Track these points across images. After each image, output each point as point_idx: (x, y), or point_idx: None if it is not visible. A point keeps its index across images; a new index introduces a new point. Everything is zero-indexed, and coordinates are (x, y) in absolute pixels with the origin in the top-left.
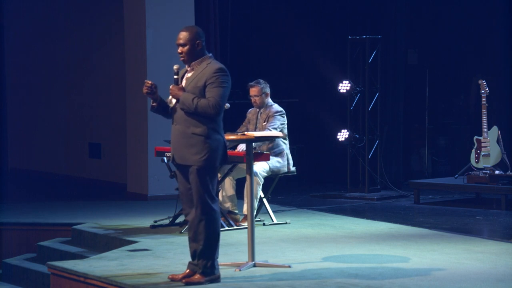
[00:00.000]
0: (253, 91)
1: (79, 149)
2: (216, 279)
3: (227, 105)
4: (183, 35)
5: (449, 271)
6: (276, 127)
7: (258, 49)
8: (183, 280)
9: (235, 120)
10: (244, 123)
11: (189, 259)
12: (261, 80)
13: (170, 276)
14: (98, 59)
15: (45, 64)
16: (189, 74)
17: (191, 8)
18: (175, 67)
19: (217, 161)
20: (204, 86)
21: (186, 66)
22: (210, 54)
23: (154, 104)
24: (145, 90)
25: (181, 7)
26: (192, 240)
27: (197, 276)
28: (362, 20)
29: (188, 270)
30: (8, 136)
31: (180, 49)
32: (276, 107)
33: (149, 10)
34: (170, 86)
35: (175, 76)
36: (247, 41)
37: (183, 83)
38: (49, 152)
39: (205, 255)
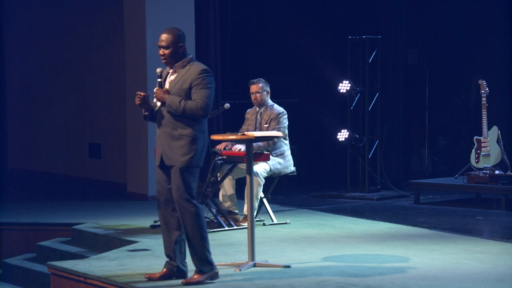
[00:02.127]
0: (254, 88)
1: (79, 149)
2: (215, 276)
3: (227, 105)
4: (165, 37)
5: (449, 271)
6: (282, 131)
7: (258, 49)
8: (183, 281)
9: (235, 120)
10: (244, 125)
11: (190, 259)
12: (262, 79)
13: (147, 276)
14: (98, 59)
15: (45, 64)
16: (172, 77)
17: (191, 8)
18: (158, 70)
19: (201, 162)
20: (190, 88)
21: (168, 68)
22: (191, 55)
23: (146, 113)
24: (137, 101)
25: (181, 7)
26: (169, 239)
27: (195, 276)
28: (362, 20)
29: (165, 269)
30: (8, 136)
31: (162, 51)
32: (277, 107)
33: (149, 10)
34: (154, 89)
35: (159, 79)
36: (247, 41)
37: (167, 86)
38: (49, 152)
39: (197, 253)
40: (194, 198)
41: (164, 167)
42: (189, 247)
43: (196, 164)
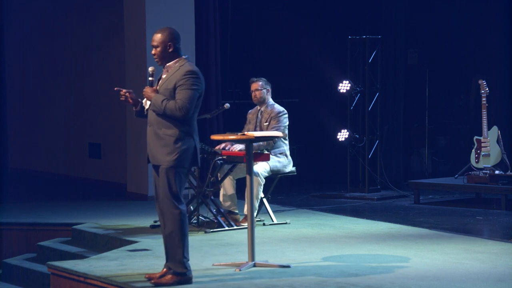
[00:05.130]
0: (254, 85)
1: (79, 149)
2: (187, 281)
3: (227, 105)
4: (156, 37)
5: (449, 271)
6: (281, 130)
7: (258, 49)
8: (152, 281)
9: (235, 120)
10: (245, 125)
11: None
12: (263, 78)
13: (147, 276)
14: (98, 59)
15: (45, 64)
16: (163, 76)
17: (191, 8)
18: (150, 69)
19: (187, 163)
20: (174, 88)
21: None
22: (186, 56)
23: (135, 109)
24: (121, 98)
25: (181, 7)
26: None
27: (168, 277)
28: (362, 20)
29: (165, 269)
30: (8, 136)
31: (153, 51)
32: (278, 107)
33: (149, 10)
34: (144, 88)
35: (150, 78)
36: (247, 41)
37: (158, 85)
38: (49, 152)
39: (172, 254)
40: (180, 200)
41: (155, 167)
42: (166, 247)
43: (180, 164)
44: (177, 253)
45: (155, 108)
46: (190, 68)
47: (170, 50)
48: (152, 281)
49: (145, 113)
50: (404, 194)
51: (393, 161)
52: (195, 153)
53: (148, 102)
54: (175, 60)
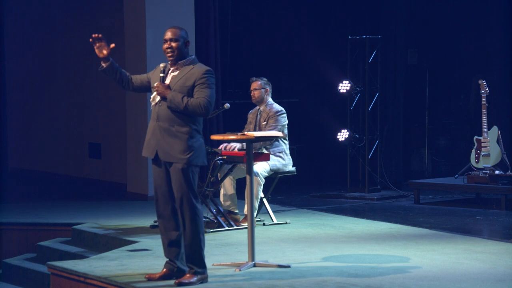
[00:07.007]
0: (253, 85)
1: (79, 149)
2: (205, 279)
3: (227, 105)
4: (173, 31)
5: (449, 271)
6: (278, 130)
7: (258, 49)
8: (175, 281)
9: (235, 120)
10: (246, 125)
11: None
12: (264, 78)
13: (147, 276)
14: (98, 59)
15: (45, 64)
16: (175, 73)
17: (191, 8)
18: (161, 65)
19: (201, 160)
20: (193, 86)
21: (169, 64)
22: (194, 56)
23: (104, 64)
24: (92, 40)
25: (181, 7)
26: (168, 239)
27: (188, 276)
28: (362, 20)
29: (165, 269)
30: (8, 136)
31: (169, 44)
32: (276, 106)
33: (149, 10)
34: (155, 83)
35: (161, 74)
36: (247, 41)
37: (168, 81)
38: (49, 152)
39: (194, 254)
40: (197, 198)
41: (159, 163)
42: (186, 247)
43: (195, 162)
44: (199, 253)
45: (173, 105)
46: (207, 67)
47: (187, 47)
48: (176, 281)
49: (153, 106)
50: (404, 194)
51: (393, 161)
52: (204, 151)
53: (158, 98)
54: (186, 59)
